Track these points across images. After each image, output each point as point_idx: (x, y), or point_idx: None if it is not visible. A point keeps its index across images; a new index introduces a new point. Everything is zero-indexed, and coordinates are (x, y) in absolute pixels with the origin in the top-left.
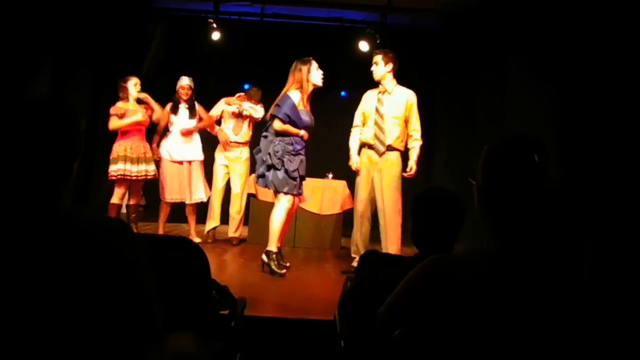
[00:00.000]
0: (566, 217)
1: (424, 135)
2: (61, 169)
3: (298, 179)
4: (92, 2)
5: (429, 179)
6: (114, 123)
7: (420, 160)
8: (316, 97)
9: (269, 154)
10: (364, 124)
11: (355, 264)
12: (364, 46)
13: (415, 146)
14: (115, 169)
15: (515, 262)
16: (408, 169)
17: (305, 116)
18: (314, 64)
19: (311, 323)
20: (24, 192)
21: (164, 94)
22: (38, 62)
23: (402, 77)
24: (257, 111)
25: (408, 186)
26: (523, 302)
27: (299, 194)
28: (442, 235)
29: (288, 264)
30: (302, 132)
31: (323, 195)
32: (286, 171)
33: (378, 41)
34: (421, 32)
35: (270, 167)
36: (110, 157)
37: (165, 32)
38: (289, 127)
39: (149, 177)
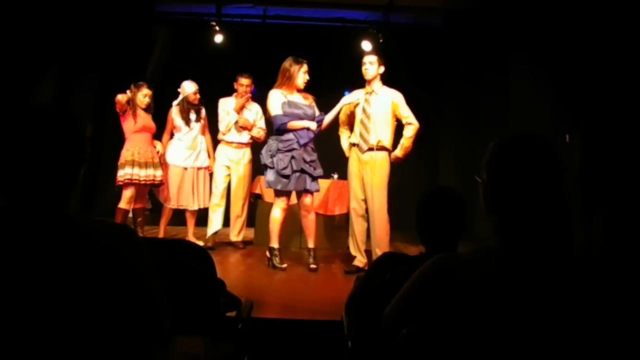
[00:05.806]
0: (572, 213)
1: (428, 135)
2: (67, 175)
3: (291, 176)
4: (95, 8)
5: (434, 177)
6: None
7: (414, 145)
8: (319, 98)
9: (262, 154)
10: (350, 124)
11: (357, 262)
12: (366, 46)
13: (409, 130)
14: (122, 173)
15: (520, 259)
16: (393, 156)
17: (295, 108)
18: (304, 68)
19: (318, 324)
20: (31, 199)
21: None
22: (43, 68)
23: (404, 76)
24: (260, 134)
25: (414, 186)
26: (529, 299)
27: (303, 190)
28: (446, 234)
29: (284, 265)
30: (306, 123)
31: (328, 195)
32: (276, 170)
33: (381, 40)
34: (424, 31)
35: (265, 167)
36: (118, 163)
37: (169, 36)
38: (292, 124)
39: (156, 182)
